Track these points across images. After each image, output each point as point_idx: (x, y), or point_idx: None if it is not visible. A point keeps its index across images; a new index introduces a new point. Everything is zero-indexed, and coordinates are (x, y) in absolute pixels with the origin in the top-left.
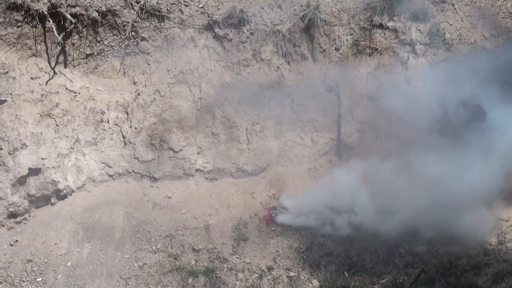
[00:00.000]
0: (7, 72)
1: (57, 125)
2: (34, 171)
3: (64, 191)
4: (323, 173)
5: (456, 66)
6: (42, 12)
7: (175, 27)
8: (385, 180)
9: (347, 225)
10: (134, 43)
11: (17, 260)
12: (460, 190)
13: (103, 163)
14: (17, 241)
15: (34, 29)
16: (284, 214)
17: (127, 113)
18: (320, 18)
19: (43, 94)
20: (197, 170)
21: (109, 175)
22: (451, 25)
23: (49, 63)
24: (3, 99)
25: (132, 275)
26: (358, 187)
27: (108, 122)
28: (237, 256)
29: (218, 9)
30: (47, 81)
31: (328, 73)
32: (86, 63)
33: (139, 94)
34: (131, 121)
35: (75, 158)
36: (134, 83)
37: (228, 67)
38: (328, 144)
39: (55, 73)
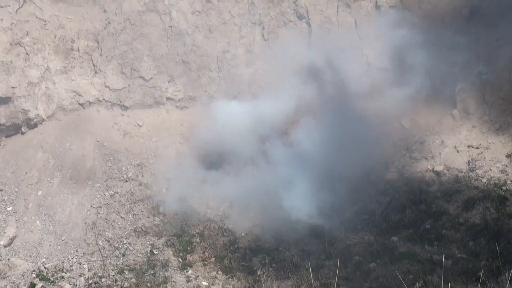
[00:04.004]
0: None
1: (27, 54)
2: (4, 100)
3: (35, 120)
4: None
5: None
6: None
7: None
8: None
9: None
10: None
11: None
12: None
13: (73, 91)
14: None
15: None
16: None
17: (98, 42)
18: None
19: (13, 23)
20: (168, 98)
21: (80, 104)
22: None
23: None
24: None
25: (103, 204)
26: None
27: (78, 50)
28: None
29: None
30: (17, 10)
31: (299, 1)
32: None
33: (109, 23)
34: (101, 49)
35: (46, 87)
36: (105, 11)
37: None
38: None
39: (24, 1)
